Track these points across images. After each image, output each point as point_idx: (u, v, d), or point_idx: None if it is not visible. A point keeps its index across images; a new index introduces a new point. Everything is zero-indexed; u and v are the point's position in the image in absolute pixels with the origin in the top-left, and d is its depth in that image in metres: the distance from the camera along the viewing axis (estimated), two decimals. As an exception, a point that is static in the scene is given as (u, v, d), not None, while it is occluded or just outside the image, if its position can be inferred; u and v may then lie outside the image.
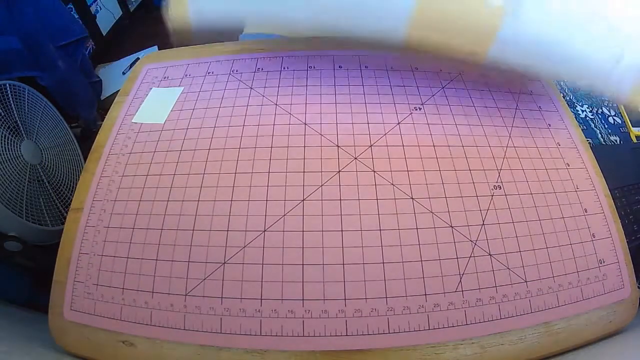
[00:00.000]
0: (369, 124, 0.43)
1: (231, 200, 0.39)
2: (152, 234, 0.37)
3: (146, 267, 0.36)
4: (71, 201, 0.41)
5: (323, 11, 0.34)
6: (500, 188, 0.40)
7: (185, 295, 0.34)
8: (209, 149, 0.42)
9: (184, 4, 0.35)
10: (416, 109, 0.45)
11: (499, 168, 0.41)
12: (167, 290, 0.35)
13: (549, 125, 0.46)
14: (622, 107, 0.74)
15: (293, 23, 0.36)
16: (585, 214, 0.39)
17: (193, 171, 0.41)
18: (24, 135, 0.77)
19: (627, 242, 0.39)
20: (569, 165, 0.42)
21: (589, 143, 0.45)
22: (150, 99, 0.48)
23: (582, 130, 0.47)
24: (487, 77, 0.47)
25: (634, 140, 0.71)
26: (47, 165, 0.81)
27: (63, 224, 0.40)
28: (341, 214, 0.37)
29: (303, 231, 0.37)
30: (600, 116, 0.74)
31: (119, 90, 0.51)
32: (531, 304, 0.34)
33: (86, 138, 1.00)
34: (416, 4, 0.32)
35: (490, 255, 0.36)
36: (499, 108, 0.46)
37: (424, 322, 0.33)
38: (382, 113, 0.44)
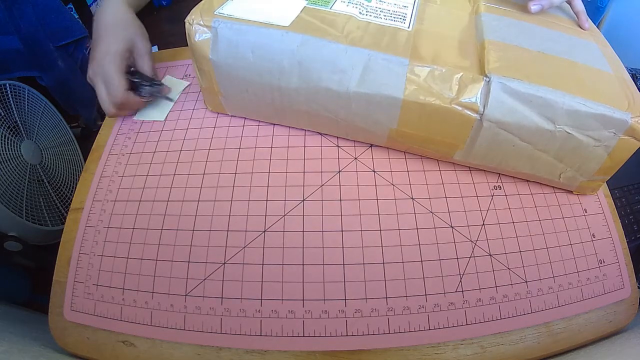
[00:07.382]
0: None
1: (231, 200, 0.39)
2: (152, 234, 0.37)
3: (146, 267, 0.36)
4: (71, 201, 0.41)
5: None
6: (500, 188, 0.40)
7: (185, 295, 0.34)
8: (209, 149, 0.42)
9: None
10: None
11: (499, 168, 0.41)
12: (167, 290, 0.35)
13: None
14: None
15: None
16: (585, 214, 0.39)
17: (193, 171, 0.41)
18: (24, 135, 0.77)
19: (627, 242, 0.39)
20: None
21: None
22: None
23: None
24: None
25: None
26: (47, 165, 0.81)
27: (63, 224, 0.40)
28: (341, 214, 0.37)
29: (303, 231, 0.37)
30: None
31: (119, 90, 0.51)
32: (531, 304, 0.34)
33: (86, 138, 1.00)
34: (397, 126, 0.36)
35: (491, 255, 0.36)
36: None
37: (424, 322, 0.33)
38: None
